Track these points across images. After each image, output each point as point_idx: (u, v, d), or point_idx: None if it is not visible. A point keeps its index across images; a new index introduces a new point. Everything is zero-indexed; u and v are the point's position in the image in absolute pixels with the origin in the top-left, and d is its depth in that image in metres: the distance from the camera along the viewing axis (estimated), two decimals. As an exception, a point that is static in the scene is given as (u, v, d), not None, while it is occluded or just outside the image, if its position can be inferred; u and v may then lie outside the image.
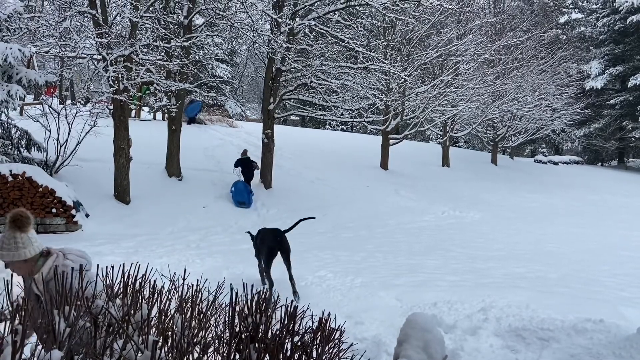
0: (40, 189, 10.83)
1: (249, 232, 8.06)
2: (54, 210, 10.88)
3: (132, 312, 2.13)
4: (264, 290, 2.17)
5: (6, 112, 11.87)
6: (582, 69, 37.38)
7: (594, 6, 42.85)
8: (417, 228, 13.79)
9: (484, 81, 23.32)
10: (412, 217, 15.16)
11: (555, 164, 36.67)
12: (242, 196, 14.09)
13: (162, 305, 2.14)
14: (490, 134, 29.71)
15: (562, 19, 42.08)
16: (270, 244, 6.81)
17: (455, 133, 26.74)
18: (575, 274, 8.72)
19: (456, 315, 5.76)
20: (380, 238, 12.20)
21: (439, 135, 29.00)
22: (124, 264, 2.46)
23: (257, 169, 15.35)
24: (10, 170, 10.72)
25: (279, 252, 6.76)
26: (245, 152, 15.73)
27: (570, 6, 43.87)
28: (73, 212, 11.08)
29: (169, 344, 1.89)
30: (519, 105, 26.51)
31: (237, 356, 1.87)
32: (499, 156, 30.69)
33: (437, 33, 22.48)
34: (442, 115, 22.96)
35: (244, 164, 15.05)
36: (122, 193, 12.69)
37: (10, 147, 12.08)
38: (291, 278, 6.67)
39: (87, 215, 11.56)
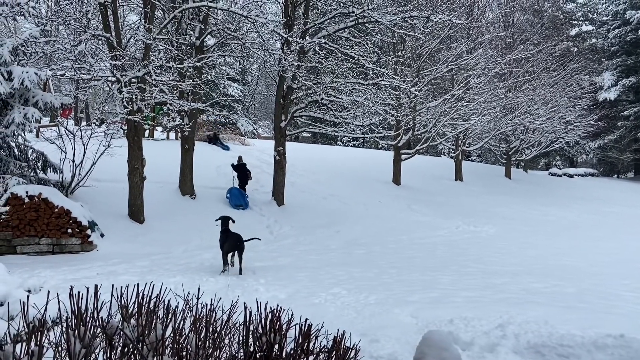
0: (56, 210, 10.96)
1: (222, 219, 9.82)
2: (69, 230, 10.99)
3: (146, 332, 2.13)
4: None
5: (23, 135, 12.09)
6: (594, 81, 37.14)
7: (605, 18, 42.71)
8: (430, 243, 13.68)
9: (496, 94, 23.27)
10: (425, 233, 15.04)
11: (571, 176, 36.24)
12: (238, 200, 14.97)
13: (176, 325, 2.14)
14: (503, 147, 29.53)
15: (573, 32, 41.98)
16: (232, 244, 9.44)
17: (467, 147, 26.64)
18: (594, 288, 8.56)
19: (473, 332, 5.66)
20: (393, 254, 12.11)
21: (451, 150, 28.91)
22: (138, 284, 2.47)
23: (250, 178, 16.18)
24: (27, 192, 10.87)
25: (236, 251, 9.40)
26: (240, 158, 16.73)
27: (581, 18, 43.79)
28: (88, 232, 11.18)
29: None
30: (532, 118, 26.36)
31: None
32: (513, 169, 30.44)
33: (447, 48, 22.57)
34: (453, 129, 22.91)
35: (240, 169, 15.93)
36: (136, 212, 12.79)
37: (26, 169, 12.27)
38: (240, 269, 9.30)
39: (102, 235, 11.65)
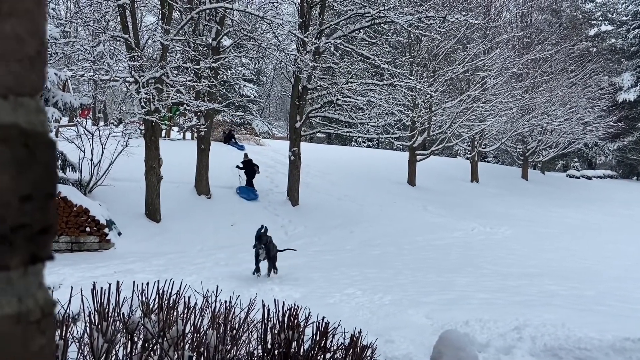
0: (75, 208, 11.13)
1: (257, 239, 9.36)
2: (87, 229, 11.16)
3: (167, 327, 2.17)
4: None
5: (43, 134, 12.28)
6: (613, 82, 36.54)
7: (624, 18, 42.01)
8: (446, 245, 13.60)
9: (513, 95, 23.05)
10: (440, 234, 14.96)
11: (589, 178, 35.71)
12: (248, 195, 15.69)
13: (195, 321, 2.17)
14: (520, 148, 29.23)
15: (592, 32, 41.36)
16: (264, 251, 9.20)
17: (483, 148, 26.42)
18: (612, 291, 8.43)
19: (489, 334, 5.63)
20: (408, 255, 12.07)
21: (467, 151, 28.71)
22: (158, 281, 2.51)
23: (257, 172, 16.50)
24: (47, 190, 11.05)
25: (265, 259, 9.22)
26: (246, 155, 17.16)
27: (600, 18, 43.12)
28: (106, 230, 11.34)
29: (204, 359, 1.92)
30: (549, 119, 26.05)
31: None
32: (530, 171, 30.11)
33: (463, 48, 22.42)
34: (469, 130, 22.74)
35: (246, 165, 16.27)
36: (153, 212, 12.94)
37: (47, 168, 12.48)
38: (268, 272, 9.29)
39: (119, 234, 11.81)
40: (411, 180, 20.98)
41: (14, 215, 0.29)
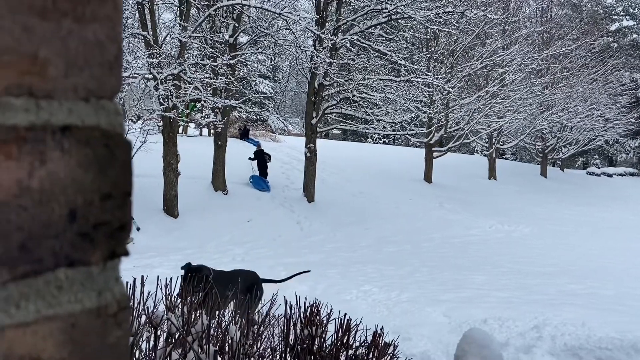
0: (95, 203, 11.29)
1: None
2: (107, 223, 11.32)
3: (191, 322, 2.20)
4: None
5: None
6: (635, 78, 35.79)
7: (647, 12, 41.15)
8: (463, 242, 13.51)
9: (532, 91, 22.74)
10: (457, 231, 14.86)
11: (610, 175, 35.10)
12: (260, 185, 16.01)
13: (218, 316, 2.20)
14: (539, 145, 28.85)
15: (613, 27, 40.57)
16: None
17: (501, 145, 26.13)
18: (632, 291, 8.30)
19: (508, 333, 5.59)
20: (425, 252, 12.02)
21: (484, 147, 28.43)
22: (180, 276, 2.54)
23: (269, 161, 16.89)
24: (68, 185, 11.24)
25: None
26: (259, 145, 17.62)
27: (621, 13, 42.28)
28: (125, 225, 11.48)
29: (227, 354, 1.94)
30: (569, 116, 25.65)
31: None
32: (549, 168, 29.71)
33: (481, 44, 22.16)
34: (487, 126, 22.51)
35: (258, 156, 16.65)
36: (170, 207, 13.07)
37: (67, 163, 12.67)
38: None
39: (138, 229, 11.96)
40: (428, 177, 20.86)
41: (96, 213, 0.31)
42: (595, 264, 10.83)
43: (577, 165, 44.39)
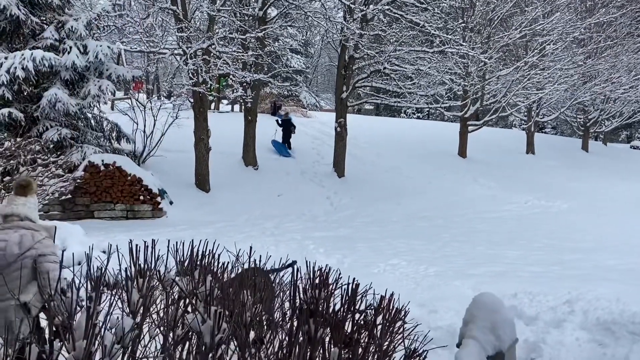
0: (129, 178, 11.56)
1: None
2: (141, 197, 11.58)
3: (199, 285, 2.18)
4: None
5: (98, 106, 12.75)
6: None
7: None
8: (497, 218, 13.20)
9: (574, 62, 21.75)
10: (492, 207, 14.52)
11: (655, 150, 33.54)
12: (280, 150, 16.69)
13: (226, 280, 2.17)
14: (580, 118, 27.72)
15: (665, -9, 38.15)
16: None
17: (541, 118, 25.23)
18: (676, 267, 7.92)
19: (538, 307, 5.43)
20: (457, 227, 11.81)
21: (523, 121, 27.53)
22: (192, 240, 2.52)
23: (293, 132, 17.31)
24: (102, 160, 11.53)
25: None
26: (287, 114, 18.18)
27: (675, -24, 39.65)
28: (158, 199, 11.73)
29: (233, 317, 1.92)
30: (613, 87, 24.44)
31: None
32: (591, 142, 28.58)
33: (520, 12, 21.22)
34: (526, 99, 21.71)
35: (284, 124, 17.12)
36: (202, 182, 13.24)
37: (102, 139, 12.98)
38: None
39: (171, 203, 12.19)
40: (462, 152, 20.38)
41: None
42: (635, 239, 10.37)
43: (620, 139, 42.58)
